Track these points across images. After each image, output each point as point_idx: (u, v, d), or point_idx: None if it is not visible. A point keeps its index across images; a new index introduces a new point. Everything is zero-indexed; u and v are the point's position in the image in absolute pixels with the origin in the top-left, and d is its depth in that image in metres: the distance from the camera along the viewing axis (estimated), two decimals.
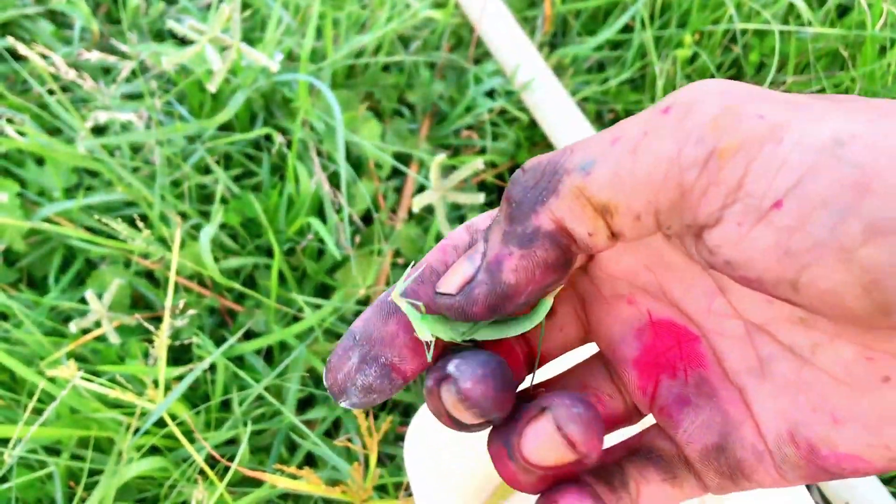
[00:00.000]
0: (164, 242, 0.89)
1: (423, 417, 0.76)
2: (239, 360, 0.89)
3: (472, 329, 0.31)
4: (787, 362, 0.29)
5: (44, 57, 0.98)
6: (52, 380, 0.75)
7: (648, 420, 0.34)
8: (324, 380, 0.31)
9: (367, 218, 1.01)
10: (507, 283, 0.28)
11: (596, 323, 0.34)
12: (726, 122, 0.24)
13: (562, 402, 0.28)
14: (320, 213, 0.97)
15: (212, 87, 0.77)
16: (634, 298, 0.33)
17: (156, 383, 0.76)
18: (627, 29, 1.15)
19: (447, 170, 0.95)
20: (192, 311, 0.75)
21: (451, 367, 0.29)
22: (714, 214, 0.24)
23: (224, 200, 0.94)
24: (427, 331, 0.30)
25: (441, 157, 0.86)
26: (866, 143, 0.22)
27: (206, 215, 0.95)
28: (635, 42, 1.09)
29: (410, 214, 1.01)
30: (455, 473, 0.79)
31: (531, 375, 0.35)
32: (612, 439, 0.34)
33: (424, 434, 0.76)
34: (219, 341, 0.89)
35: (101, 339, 0.86)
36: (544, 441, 0.28)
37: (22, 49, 0.79)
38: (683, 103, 0.25)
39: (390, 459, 0.89)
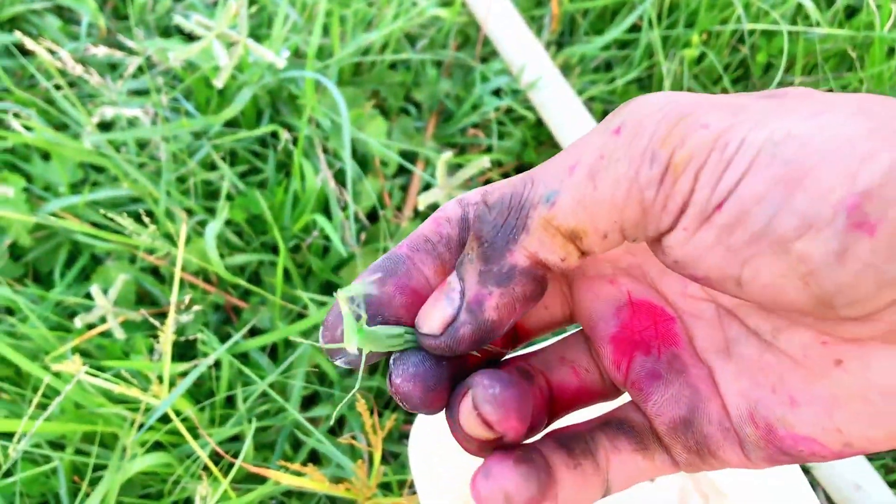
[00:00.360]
0: (169, 238, 0.89)
1: (427, 416, 0.76)
2: (243, 357, 0.89)
3: (402, 345, 0.31)
4: (751, 345, 0.30)
5: (51, 52, 0.98)
6: (56, 375, 0.75)
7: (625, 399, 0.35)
8: (320, 338, 0.31)
9: (372, 216, 1.01)
10: (490, 321, 0.29)
11: (578, 301, 0.35)
12: (675, 138, 0.25)
13: (480, 381, 0.29)
14: (325, 210, 0.97)
15: (218, 83, 0.77)
16: (616, 279, 0.34)
17: (160, 379, 0.75)
18: (635, 28, 1.14)
19: (453, 168, 0.95)
20: (197, 307, 0.75)
21: (391, 364, 0.31)
22: (670, 223, 0.26)
23: (229, 197, 0.94)
24: (356, 342, 0.29)
25: (448, 155, 0.86)
26: (800, 141, 0.23)
27: (211, 211, 0.94)
28: (643, 41, 1.09)
29: (416, 212, 1.01)
30: (458, 471, 0.79)
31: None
32: (590, 413, 0.35)
33: (428, 432, 0.76)
34: (223, 338, 0.89)
35: (106, 334, 0.86)
36: (467, 418, 0.29)
37: (29, 44, 0.79)
38: (633, 122, 0.26)
39: (394, 457, 0.89)
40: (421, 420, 0.76)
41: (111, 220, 0.86)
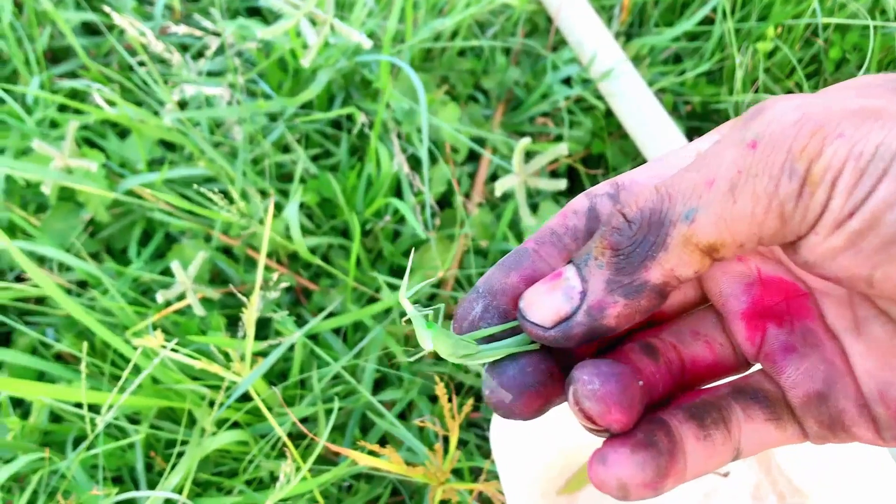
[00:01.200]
0: (243, 219, 0.90)
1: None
2: (312, 339, 0.89)
3: (473, 356, 0.32)
4: (882, 326, 0.30)
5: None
6: (139, 350, 0.75)
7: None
8: (452, 329, 0.32)
9: (440, 202, 1.00)
10: (606, 327, 0.29)
11: (708, 279, 0.35)
12: (811, 151, 0.25)
13: (580, 376, 0.29)
14: (397, 195, 0.97)
15: (305, 62, 0.77)
16: (745, 257, 0.34)
17: (241, 357, 0.75)
18: (706, 21, 1.13)
19: (528, 156, 0.95)
20: (284, 284, 0.75)
21: (485, 373, 0.32)
22: (805, 231, 0.26)
23: (302, 180, 0.94)
24: (430, 341, 0.32)
25: (526, 141, 0.85)
26: None
27: (284, 194, 0.95)
28: (715, 34, 1.08)
29: (484, 200, 1.00)
30: (539, 457, 0.79)
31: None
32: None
33: (508, 422, 0.76)
34: (294, 319, 0.89)
35: (181, 312, 0.86)
36: (572, 412, 0.30)
37: (117, 19, 0.80)
38: (769, 136, 0.26)
39: (462, 444, 0.89)
40: None
41: (188, 198, 0.87)
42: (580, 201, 0.33)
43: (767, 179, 0.26)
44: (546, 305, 0.30)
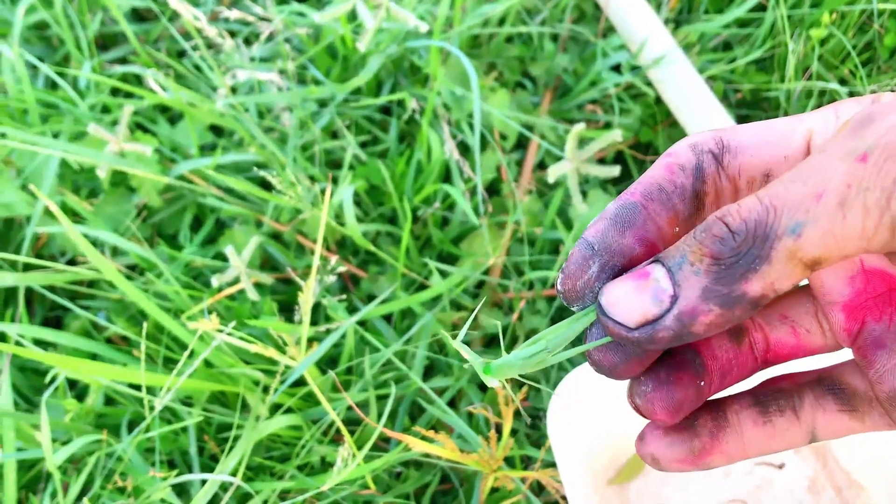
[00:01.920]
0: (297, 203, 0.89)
1: (564, 394, 0.76)
2: (361, 325, 0.89)
3: (542, 363, 0.33)
4: None
5: (177, 17, 0.98)
6: (193, 333, 0.75)
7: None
8: (557, 285, 0.32)
9: (487, 189, 1.00)
10: (694, 333, 0.29)
11: None
12: None
13: (637, 376, 0.32)
14: (445, 181, 0.96)
15: (361, 46, 0.76)
16: None
17: (296, 342, 0.75)
18: (757, 7, 1.12)
19: (580, 143, 0.94)
20: (342, 269, 0.75)
21: (587, 334, 0.33)
22: None
23: (351, 166, 0.94)
24: (494, 380, 0.33)
25: (580, 127, 0.84)
26: None
27: (332, 180, 0.94)
28: (767, 20, 1.06)
29: (533, 187, 1.00)
30: (597, 445, 0.78)
31: None
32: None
33: (567, 407, 0.75)
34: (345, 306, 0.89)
35: (233, 297, 0.86)
36: (627, 399, 0.33)
37: (173, 2, 0.80)
38: (881, 148, 0.25)
39: (513, 433, 0.88)
40: (557, 398, 0.75)
41: (240, 184, 0.87)
42: (686, 155, 0.32)
43: (879, 192, 0.25)
44: (632, 305, 0.29)
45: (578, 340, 0.33)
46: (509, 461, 0.85)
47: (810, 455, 0.84)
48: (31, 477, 0.81)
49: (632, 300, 0.29)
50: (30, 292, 0.90)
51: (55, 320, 0.94)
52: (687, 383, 0.32)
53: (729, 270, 0.28)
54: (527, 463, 0.88)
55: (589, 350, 0.32)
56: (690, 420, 0.34)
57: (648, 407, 0.32)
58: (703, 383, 0.33)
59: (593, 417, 0.79)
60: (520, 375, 0.34)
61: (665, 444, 0.33)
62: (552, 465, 0.85)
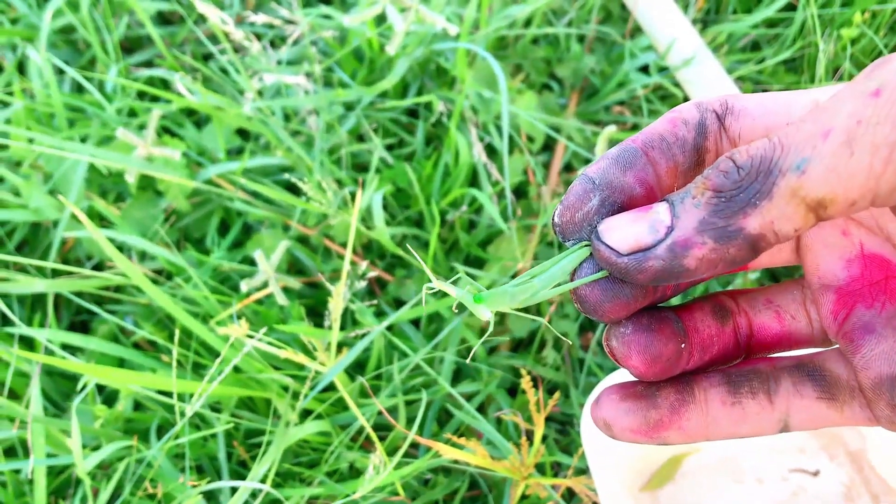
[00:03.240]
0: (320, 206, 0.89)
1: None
2: (388, 329, 0.88)
3: (531, 297, 0.32)
4: None
5: (203, 19, 0.98)
6: (223, 339, 0.75)
7: None
8: (555, 217, 0.31)
9: (514, 191, 0.99)
10: (684, 268, 0.28)
11: (806, 247, 0.34)
12: None
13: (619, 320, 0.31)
14: (472, 184, 0.95)
15: (391, 49, 0.75)
16: (849, 230, 0.33)
17: (325, 347, 0.75)
18: (786, 7, 1.10)
19: (610, 143, 0.93)
20: (372, 273, 0.74)
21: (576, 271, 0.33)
22: None
23: (377, 170, 0.93)
24: (486, 310, 0.32)
25: (611, 129, 0.83)
26: None
27: (357, 183, 0.94)
28: (797, 20, 1.04)
29: (560, 189, 0.99)
30: (625, 453, 0.77)
31: None
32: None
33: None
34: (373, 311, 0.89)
35: (260, 301, 0.85)
36: (603, 344, 0.32)
37: (200, 6, 0.79)
38: (894, 83, 0.24)
39: (542, 439, 0.87)
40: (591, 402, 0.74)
41: (266, 188, 0.86)
42: (690, 111, 0.32)
43: (890, 128, 0.24)
44: (626, 232, 0.29)
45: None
46: (539, 467, 0.85)
47: (846, 461, 0.83)
48: (61, 482, 0.81)
49: (628, 227, 0.29)
50: (57, 296, 0.90)
51: (82, 323, 0.94)
52: (668, 336, 0.32)
53: (729, 203, 0.27)
54: (557, 469, 0.87)
55: (577, 286, 0.31)
56: (652, 389, 0.33)
57: (624, 351, 0.31)
58: (683, 345, 0.32)
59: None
60: (512, 309, 0.33)
61: (621, 409, 0.32)
62: (583, 471, 0.84)
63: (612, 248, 0.29)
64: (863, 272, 0.32)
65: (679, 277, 0.28)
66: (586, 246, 0.31)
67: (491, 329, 0.34)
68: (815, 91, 0.31)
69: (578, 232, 0.31)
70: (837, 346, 0.33)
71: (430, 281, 0.33)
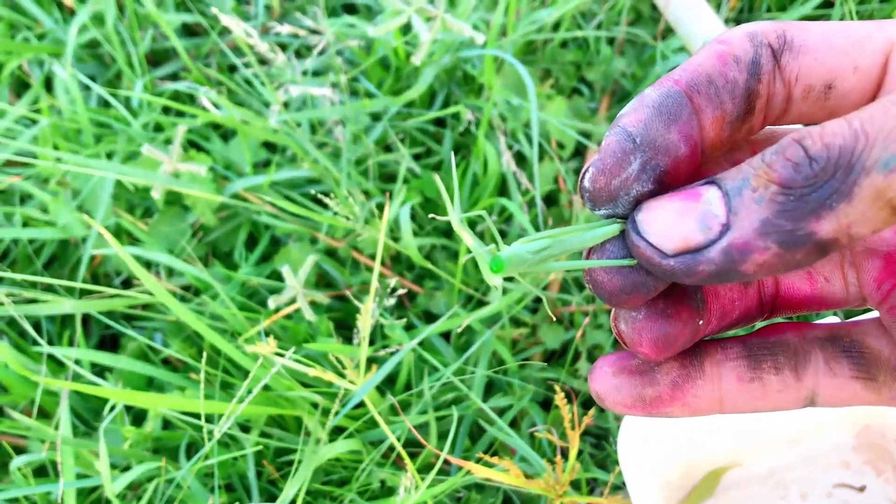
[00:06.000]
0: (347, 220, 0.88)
1: (635, 418, 0.73)
2: (418, 343, 0.87)
3: (548, 259, 0.28)
4: None
5: (228, 31, 0.97)
6: (253, 358, 0.74)
7: None
8: (585, 181, 0.27)
9: (544, 200, 0.97)
10: (741, 273, 0.24)
11: None
12: None
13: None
14: (500, 193, 0.93)
15: (416, 59, 0.74)
16: None
17: (354, 365, 0.73)
18: (823, 4, 1.07)
19: None
20: (401, 291, 0.73)
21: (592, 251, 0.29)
22: None
23: (404, 180, 0.92)
24: (498, 278, 0.28)
25: None
26: None
27: (384, 194, 0.92)
28: (834, 17, 1.01)
29: None
30: (663, 470, 0.75)
31: None
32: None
33: (639, 431, 0.72)
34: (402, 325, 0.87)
35: (288, 316, 0.84)
36: (612, 325, 0.30)
37: (224, 19, 0.78)
38: None
39: (577, 455, 0.85)
40: (629, 419, 0.72)
41: (294, 201, 0.85)
42: (742, 45, 0.27)
43: None
44: (673, 227, 0.24)
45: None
46: (574, 484, 0.83)
47: (893, 477, 0.80)
48: (91, 503, 0.80)
49: (674, 221, 0.25)
50: (86, 314, 0.90)
51: (111, 339, 0.94)
52: (685, 320, 0.28)
53: (798, 203, 0.23)
54: (593, 485, 0.85)
55: (593, 267, 0.27)
56: (650, 364, 0.30)
57: (634, 337, 0.28)
58: (700, 322, 0.29)
59: (664, 437, 0.76)
60: (519, 274, 0.29)
61: (612, 385, 0.30)
62: (619, 487, 0.82)
63: (654, 247, 0.25)
64: None
65: (731, 281, 0.25)
66: (619, 222, 0.27)
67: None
68: (892, 27, 0.27)
69: (612, 203, 0.27)
70: (873, 314, 0.29)
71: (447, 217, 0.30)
